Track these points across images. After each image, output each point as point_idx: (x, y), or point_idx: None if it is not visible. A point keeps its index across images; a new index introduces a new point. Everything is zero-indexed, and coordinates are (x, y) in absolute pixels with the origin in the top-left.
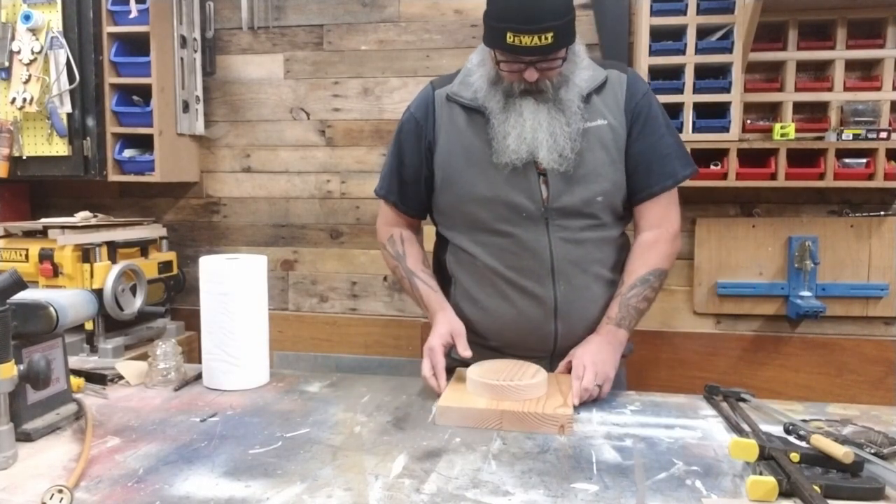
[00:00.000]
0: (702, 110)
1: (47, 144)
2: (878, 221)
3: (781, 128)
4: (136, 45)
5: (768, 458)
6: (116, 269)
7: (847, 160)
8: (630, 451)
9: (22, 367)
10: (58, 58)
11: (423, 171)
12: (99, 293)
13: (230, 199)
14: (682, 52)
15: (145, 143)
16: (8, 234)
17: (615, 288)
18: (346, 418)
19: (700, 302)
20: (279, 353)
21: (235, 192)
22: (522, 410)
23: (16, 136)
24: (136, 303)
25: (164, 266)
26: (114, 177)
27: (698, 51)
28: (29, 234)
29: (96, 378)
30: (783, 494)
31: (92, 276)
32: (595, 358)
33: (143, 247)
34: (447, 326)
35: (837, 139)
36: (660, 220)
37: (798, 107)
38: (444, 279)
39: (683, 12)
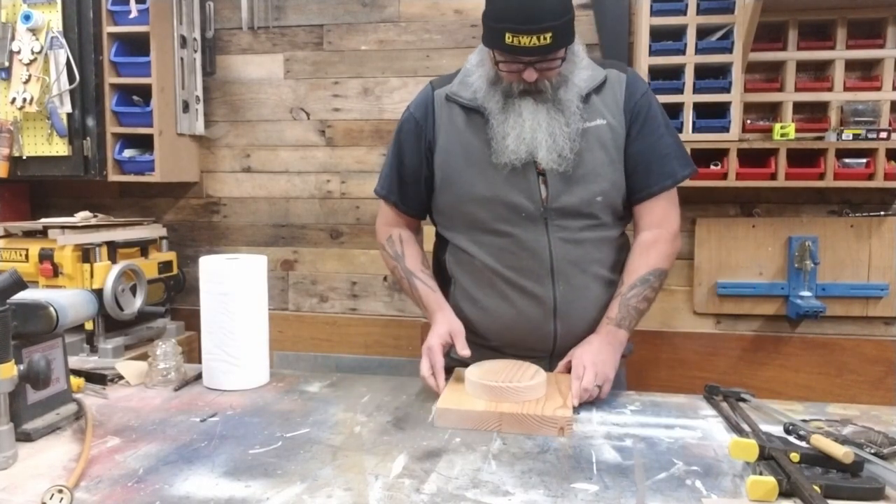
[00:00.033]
0: (702, 110)
1: (47, 144)
2: (878, 221)
3: (781, 128)
4: (136, 45)
5: (768, 458)
6: (116, 269)
7: (847, 160)
8: (630, 451)
9: (22, 367)
10: (58, 58)
11: (422, 171)
12: (99, 293)
13: (230, 199)
14: (682, 52)
15: (145, 143)
16: (8, 234)
17: (615, 288)
18: (346, 418)
19: (700, 302)
20: (279, 353)
21: (235, 192)
22: (521, 412)
23: (16, 136)
24: (136, 303)
25: (164, 266)
26: (114, 177)
27: (698, 51)
28: (29, 234)
29: (96, 378)
30: (783, 494)
31: (92, 276)
32: (595, 358)
33: (143, 247)
34: (446, 326)
35: (837, 139)
36: (659, 220)
37: (798, 107)
38: (443, 279)
39: (683, 12)
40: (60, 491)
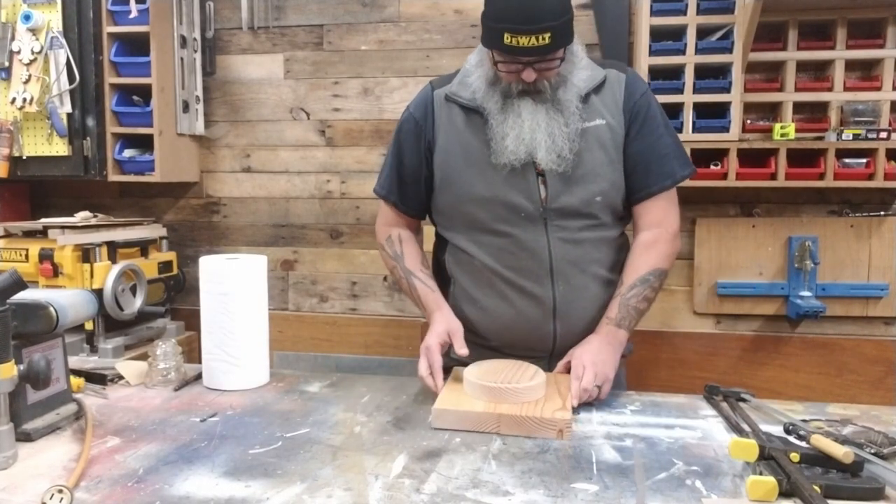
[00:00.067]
0: (702, 110)
1: (47, 144)
2: (878, 221)
3: (781, 128)
4: (136, 45)
5: (768, 458)
6: (116, 269)
7: (847, 160)
8: (630, 451)
9: (22, 367)
10: (58, 58)
11: (422, 171)
12: (99, 293)
13: (230, 199)
14: (682, 52)
15: (145, 143)
16: (8, 234)
17: (614, 288)
18: (346, 418)
19: (700, 302)
20: (279, 353)
21: (235, 192)
22: (520, 414)
23: (16, 136)
24: (136, 303)
25: (164, 266)
26: (114, 177)
27: (698, 51)
28: (29, 234)
29: (96, 378)
30: (783, 494)
31: (92, 276)
32: (595, 358)
33: (143, 247)
34: (444, 325)
35: (837, 139)
36: (659, 220)
37: (798, 107)
38: (443, 279)
39: (683, 12)
40: (60, 491)
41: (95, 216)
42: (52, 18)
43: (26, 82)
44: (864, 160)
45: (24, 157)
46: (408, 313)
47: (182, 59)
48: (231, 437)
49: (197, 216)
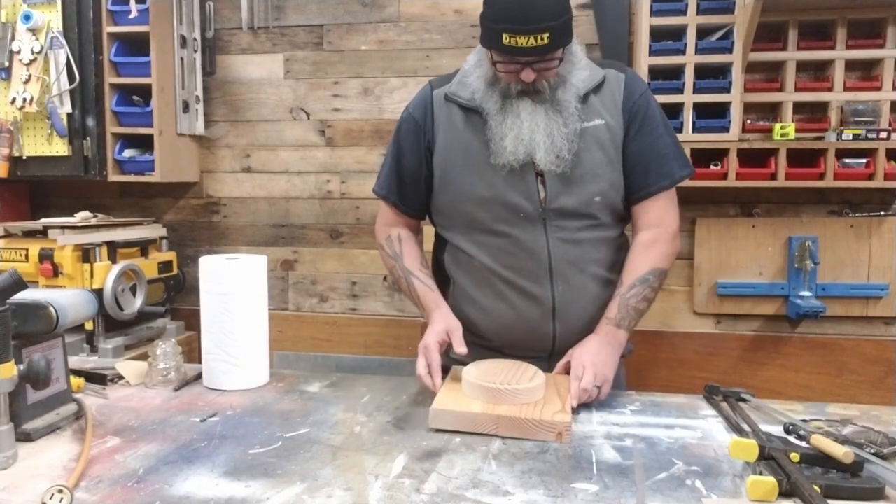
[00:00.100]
0: (702, 110)
1: (47, 144)
2: (878, 221)
3: (781, 128)
4: (136, 45)
5: (768, 458)
6: (116, 269)
7: (847, 160)
8: (630, 451)
9: (22, 367)
10: (58, 58)
11: (422, 171)
12: (99, 293)
13: (230, 199)
14: (682, 52)
15: (145, 143)
16: (8, 234)
17: (613, 288)
18: (346, 418)
19: (700, 302)
20: (279, 353)
21: (235, 192)
22: (519, 416)
23: (16, 136)
24: (136, 303)
25: (164, 266)
26: (114, 177)
27: (698, 51)
28: (29, 234)
29: (96, 378)
30: (783, 494)
31: (92, 276)
32: (595, 358)
33: (143, 247)
34: (443, 324)
35: (837, 139)
36: (658, 220)
37: (798, 107)
38: (442, 280)
39: (683, 12)
40: (60, 491)
41: (95, 216)
42: (52, 18)
43: (26, 82)
44: (864, 160)
45: (24, 157)
46: (408, 313)
47: (182, 59)
48: (231, 437)
49: (197, 216)
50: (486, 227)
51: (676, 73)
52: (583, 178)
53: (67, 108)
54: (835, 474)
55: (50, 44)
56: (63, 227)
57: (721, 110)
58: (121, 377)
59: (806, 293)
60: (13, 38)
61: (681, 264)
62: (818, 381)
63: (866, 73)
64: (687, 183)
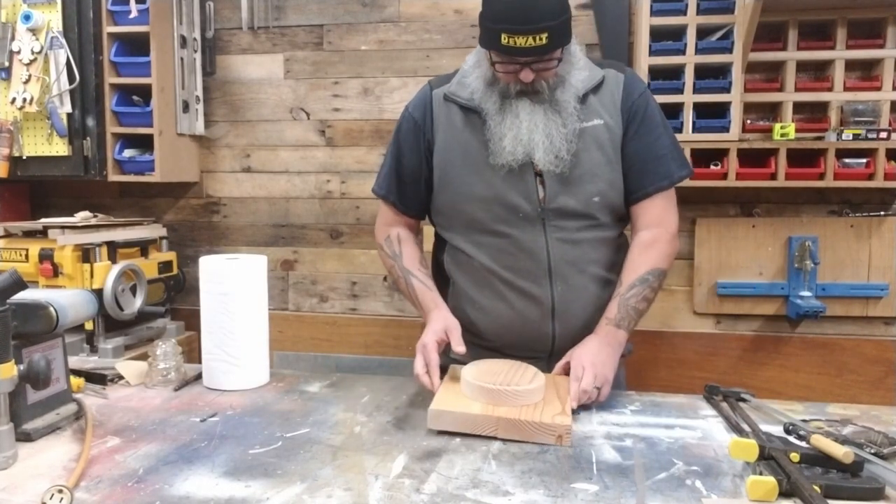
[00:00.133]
0: (702, 110)
1: (47, 144)
2: (878, 221)
3: (781, 128)
4: (136, 45)
5: (768, 458)
6: (116, 269)
7: (847, 160)
8: (630, 451)
9: (22, 367)
10: (58, 58)
11: (422, 170)
12: (99, 293)
13: (230, 199)
14: (682, 52)
15: (145, 143)
16: (8, 234)
17: (613, 288)
18: (346, 418)
19: (700, 302)
20: (279, 353)
21: (235, 192)
22: (519, 418)
23: (16, 136)
24: (136, 303)
25: (164, 266)
26: (114, 177)
27: (698, 51)
28: (29, 234)
29: (96, 378)
30: (783, 494)
31: (92, 276)
32: (594, 359)
33: (143, 247)
34: (442, 323)
35: (837, 139)
36: (657, 220)
37: (798, 107)
38: (442, 280)
39: (683, 12)
40: (60, 491)
41: (95, 216)
42: (52, 18)
43: (26, 82)
44: (864, 160)
45: (24, 157)
46: (408, 313)
47: (182, 59)
48: (231, 437)
49: (197, 216)
50: (485, 228)
51: (676, 73)
52: (582, 179)
53: (67, 108)
54: (835, 474)
55: (50, 44)
56: (63, 227)
57: (721, 110)
58: (121, 377)
59: (806, 293)
60: (13, 38)
61: (681, 264)
62: (818, 381)
63: (866, 73)
64: (687, 183)
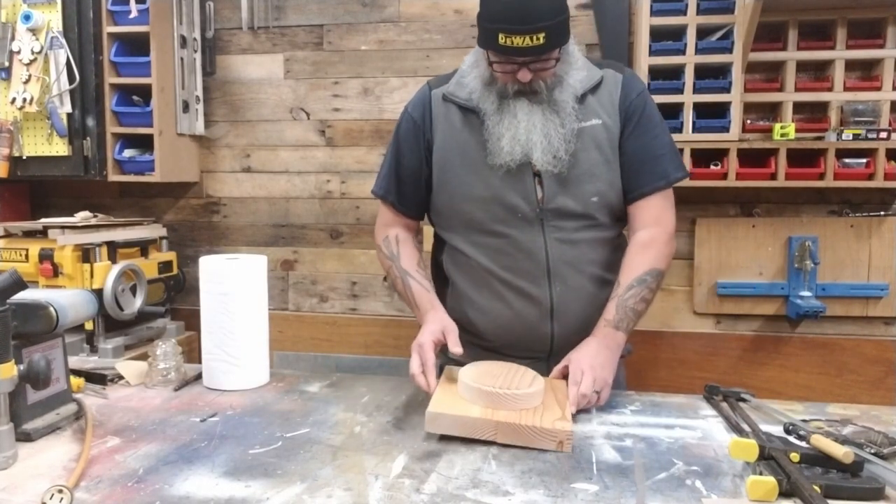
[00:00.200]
0: (702, 110)
1: (47, 144)
2: (878, 221)
3: (781, 128)
4: (136, 45)
5: (768, 458)
6: (116, 269)
7: (847, 160)
8: (630, 451)
9: (22, 367)
10: (58, 58)
11: (422, 170)
12: (99, 293)
13: (230, 199)
14: (682, 52)
15: (145, 143)
16: (8, 234)
17: (611, 288)
18: (346, 418)
19: (700, 302)
20: (279, 353)
21: (235, 192)
22: (519, 423)
23: (16, 136)
24: (136, 303)
25: (164, 266)
26: (114, 177)
27: (698, 51)
28: (29, 234)
29: (96, 378)
30: (783, 494)
31: (92, 276)
32: (593, 362)
33: (143, 247)
34: (439, 324)
35: (837, 139)
36: (655, 220)
37: (798, 107)
38: (440, 280)
39: (683, 12)
40: (60, 491)
41: (95, 216)
42: (52, 18)
43: (26, 82)
44: (864, 160)
45: (24, 157)
46: (408, 313)
47: (182, 59)
48: (231, 437)
49: (197, 216)
50: (483, 228)
51: (676, 73)
52: (580, 179)
53: (67, 108)
54: (835, 474)
55: (50, 44)
56: (63, 227)
57: (721, 110)
58: (121, 377)
59: (806, 293)
60: (13, 38)
61: (681, 264)
62: (818, 381)
63: (866, 73)
64: (687, 183)
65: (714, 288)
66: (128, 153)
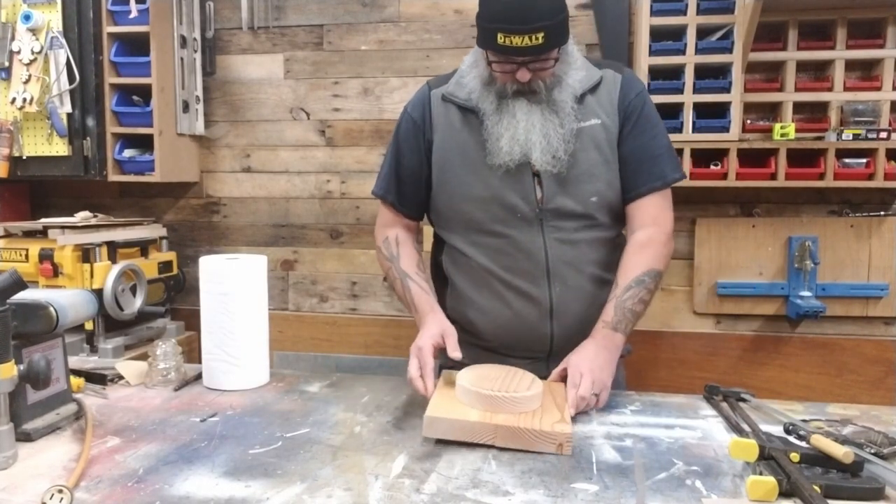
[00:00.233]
0: (702, 110)
1: (47, 144)
2: (878, 221)
3: (781, 128)
4: (136, 45)
5: (768, 458)
6: (116, 269)
7: (847, 160)
8: (630, 451)
9: (22, 367)
10: (58, 58)
11: (423, 170)
12: (99, 293)
13: (230, 199)
14: (682, 52)
15: (145, 143)
16: (8, 234)
17: (611, 289)
18: (346, 418)
19: (700, 302)
20: (279, 353)
21: (235, 192)
22: (518, 426)
23: (16, 136)
24: (136, 303)
25: (164, 266)
26: (114, 177)
27: (698, 51)
28: (29, 234)
29: (96, 378)
30: (783, 494)
31: (92, 276)
32: (592, 365)
33: (143, 247)
34: (438, 327)
35: (837, 139)
36: (653, 220)
37: (798, 107)
38: (440, 281)
39: (683, 12)
40: (60, 491)
41: (95, 216)
42: (52, 18)
43: (26, 82)
44: (864, 160)
45: (24, 157)
46: (408, 313)
47: (182, 59)
48: (231, 437)
49: (197, 216)
50: (483, 228)
51: (676, 73)
52: (579, 179)
53: (67, 108)
54: (835, 474)
55: (50, 44)
56: (63, 227)
57: (721, 110)
58: (121, 377)
59: (806, 293)
60: (13, 38)
61: (681, 264)
62: (818, 381)
63: (866, 73)
64: (687, 183)
65: (714, 288)
66: (128, 153)
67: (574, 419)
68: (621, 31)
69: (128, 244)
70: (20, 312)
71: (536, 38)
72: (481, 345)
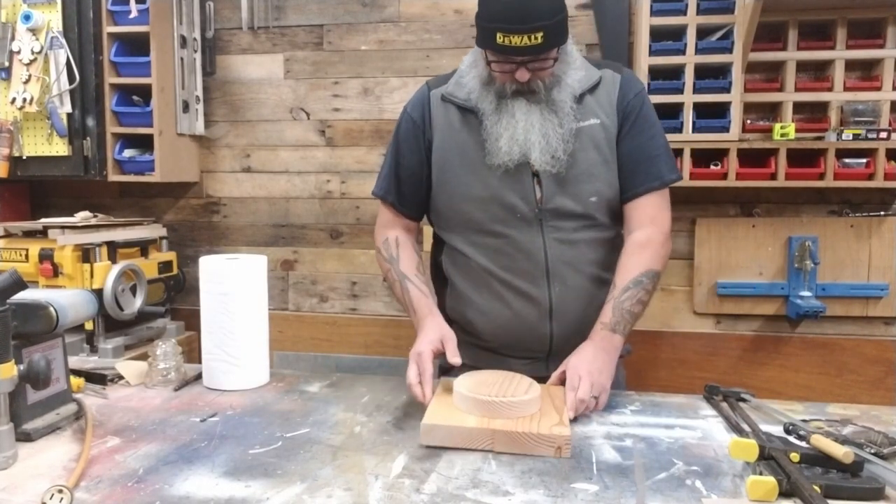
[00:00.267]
0: (702, 110)
1: (47, 144)
2: (878, 221)
3: (781, 128)
4: (136, 45)
5: (768, 458)
6: (116, 269)
7: (847, 160)
8: (630, 451)
9: (22, 367)
10: (58, 58)
11: (423, 170)
12: (99, 293)
13: (230, 199)
14: (682, 52)
15: (145, 143)
16: (8, 234)
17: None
18: (346, 418)
19: (700, 302)
20: (279, 353)
21: (235, 192)
22: (516, 430)
23: (16, 136)
24: (136, 303)
25: (164, 266)
26: (114, 177)
27: (698, 51)
28: (29, 234)
29: (96, 378)
30: (783, 494)
31: (92, 276)
32: (590, 367)
33: (143, 247)
34: (437, 332)
35: (837, 139)
36: (650, 220)
37: (798, 107)
38: (440, 281)
39: (683, 12)
40: (60, 491)
41: (95, 216)
42: (52, 18)
43: (26, 82)
44: (864, 160)
45: (24, 157)
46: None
47: (182, 59)
48: (231, 437)
49: (197, 216)
50: (482, 228)
51: (676, 73)
52: (578, 179)
53: (67, 108)
54: (835, 474)
55: (50, 44)
56: (63, 227)
57: (721, 110)
58: (121, 377)
59: (806, 293)
60: (13, 38)
61: (681, 264)
62: (818, 381)
63: (866, 73)
64: (687, 183)
65: (714, 288)
66: (128, 153)
67: (573, 420)
68: (621, 31)
69: (128, 244)
70: (20, 312)
71: (535, 38)
72: (481, 345)
